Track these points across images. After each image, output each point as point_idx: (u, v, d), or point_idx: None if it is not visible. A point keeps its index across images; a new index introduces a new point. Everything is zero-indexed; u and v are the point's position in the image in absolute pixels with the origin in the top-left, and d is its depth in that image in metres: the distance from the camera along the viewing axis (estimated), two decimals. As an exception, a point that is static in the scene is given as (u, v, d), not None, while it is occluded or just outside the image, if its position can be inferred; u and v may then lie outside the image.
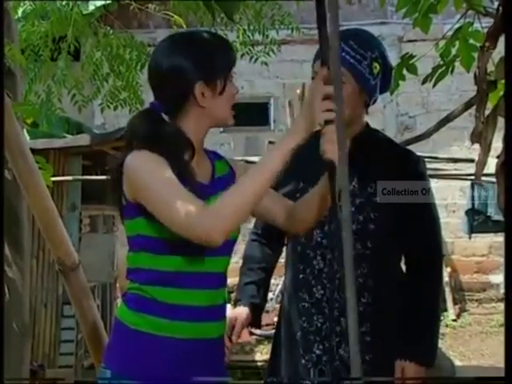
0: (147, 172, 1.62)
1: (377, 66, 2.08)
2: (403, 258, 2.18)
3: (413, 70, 2.84)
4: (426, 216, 2.13)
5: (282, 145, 1.58)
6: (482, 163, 1.98)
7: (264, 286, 2.26)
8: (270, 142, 6.15)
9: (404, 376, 2.01)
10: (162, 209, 1.59)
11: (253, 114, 8.75)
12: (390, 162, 2.10)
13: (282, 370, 2.16)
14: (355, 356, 1.25)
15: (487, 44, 1.97)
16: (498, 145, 1.86)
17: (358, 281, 2.03)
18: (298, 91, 5.67)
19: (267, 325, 6.94)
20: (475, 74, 2.00)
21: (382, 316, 2.06)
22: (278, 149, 1.59)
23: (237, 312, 2.17)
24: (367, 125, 2.17)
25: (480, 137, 1.96)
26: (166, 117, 1.73)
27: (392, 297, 2.08)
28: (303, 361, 2.10)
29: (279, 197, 1.89)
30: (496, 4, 2.16)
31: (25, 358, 3.33)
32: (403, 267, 2.22)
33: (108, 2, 6.82)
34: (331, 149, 1.56)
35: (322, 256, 2.08)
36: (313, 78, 2.07)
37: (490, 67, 2.02)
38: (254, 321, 2.20)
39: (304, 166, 1.97)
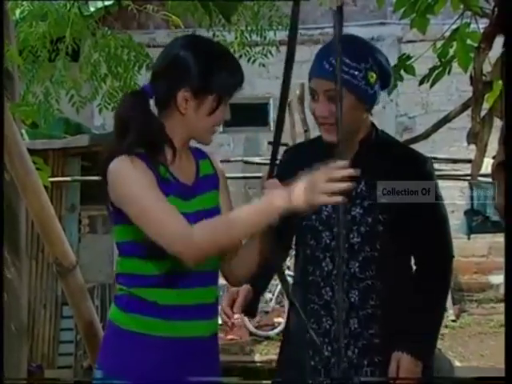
0: (129, 184, 1.64)
1: (373, 75, 2.01)
2: (412, 258, 2.17)
3: (410, 70, 2.84)
4: (435, 216, 2.11)
5: (272, 205, 1.58)
6: (477, 164, 1.98)
7: (267, 274, 2.23)
8: (270, 143, 6.14)
9: (399, 368, 2.00)
10: (144, 223, 1.62)
11: (252, 115, 8.74)
12: (397, 162, 2.08)
13: (290, 371, 2.16)
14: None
15: (483, 45, 1.96)
16: (495, 145, 1.86)
17: (366, 283, 2.04)
18: (297, 92, 5.66)
19: (266, 325, 6.93)
20: (471, 75, 2.00)
21: (390, 318, 2.05)
22: (267, 208, 1.58)
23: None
24: (372, 125, 2.15)
25: (476, 137, 1.96)
26: (152, 104, 1.73)
27: (400, 298, 2.07)
28: (312, 362, 2.10)
29: None
30: (492, 5, 2.16)
31: (22, 358, 3.33)
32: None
33: (108, 3, 6.81)
34: None
35: (331, 258, 2.07)
36: (311, 95, 2.05)
37: (488, 68, 2.01)
38: (250, 306, 2.18)
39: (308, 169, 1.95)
